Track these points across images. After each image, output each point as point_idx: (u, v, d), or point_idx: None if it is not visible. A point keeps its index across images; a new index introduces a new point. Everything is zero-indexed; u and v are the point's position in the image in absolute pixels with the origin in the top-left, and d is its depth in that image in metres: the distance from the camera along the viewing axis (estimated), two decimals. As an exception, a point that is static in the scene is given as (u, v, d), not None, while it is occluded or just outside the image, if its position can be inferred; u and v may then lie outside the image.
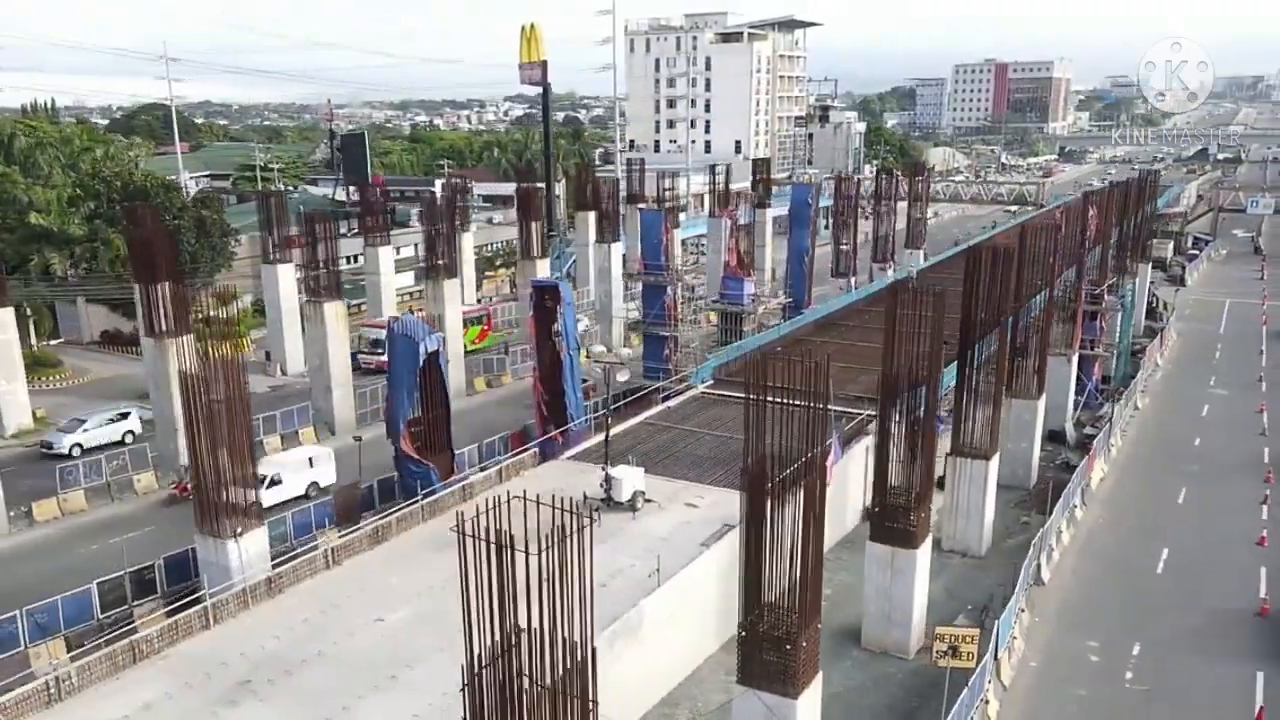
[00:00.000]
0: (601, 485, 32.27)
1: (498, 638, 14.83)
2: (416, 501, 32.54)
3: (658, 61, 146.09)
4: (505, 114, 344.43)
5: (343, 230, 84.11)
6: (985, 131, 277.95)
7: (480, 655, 14.96)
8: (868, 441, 38.68)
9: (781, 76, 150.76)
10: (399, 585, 28.00)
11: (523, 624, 14.84)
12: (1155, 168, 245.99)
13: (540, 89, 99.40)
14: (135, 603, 30.56)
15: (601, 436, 39.81)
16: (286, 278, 60.69)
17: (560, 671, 15.31)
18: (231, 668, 23.85)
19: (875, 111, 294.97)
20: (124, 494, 41.98)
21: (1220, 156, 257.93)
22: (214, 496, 29.96)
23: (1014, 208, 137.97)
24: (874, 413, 41.87)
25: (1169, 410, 56.58)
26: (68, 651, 28.56)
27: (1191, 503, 43.14)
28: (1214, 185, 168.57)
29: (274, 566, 31.02)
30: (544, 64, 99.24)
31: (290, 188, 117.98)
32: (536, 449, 37.89)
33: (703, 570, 28.86)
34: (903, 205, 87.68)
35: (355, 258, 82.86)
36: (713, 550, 29.62)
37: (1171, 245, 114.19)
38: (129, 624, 30.11)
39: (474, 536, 14.53)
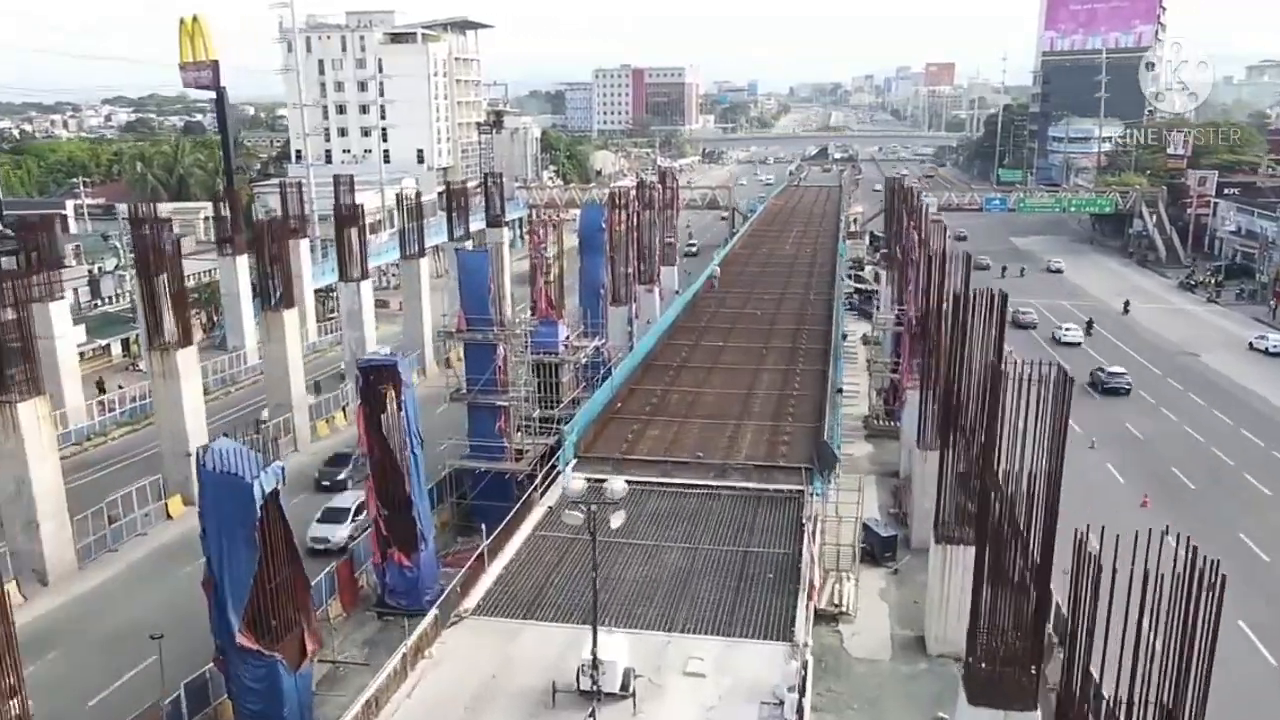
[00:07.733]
0: (585, 671, 22.48)
1: None
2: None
3: (321, 64, 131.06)
4: (108, 119, 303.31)
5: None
6: (631, 134, 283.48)
7: None
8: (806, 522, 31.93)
9: (458, 80, 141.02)
10: None
11: None
12: (791, 167, 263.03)
13: (214, 93, 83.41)
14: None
15: (495, 570, 29.81)
16: (62, 318, 51.35)
17: None
18: None
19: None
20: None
21: (838, 156, 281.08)
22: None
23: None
24: (801, 487, 35.33)
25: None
26: None
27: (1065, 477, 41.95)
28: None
29: None
30: (215, 64, 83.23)
31: None
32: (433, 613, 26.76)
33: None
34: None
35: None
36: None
37: (867, 242, 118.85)
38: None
39: None
